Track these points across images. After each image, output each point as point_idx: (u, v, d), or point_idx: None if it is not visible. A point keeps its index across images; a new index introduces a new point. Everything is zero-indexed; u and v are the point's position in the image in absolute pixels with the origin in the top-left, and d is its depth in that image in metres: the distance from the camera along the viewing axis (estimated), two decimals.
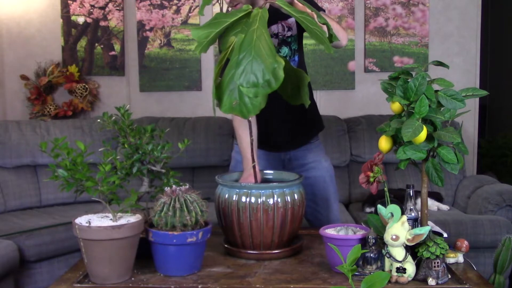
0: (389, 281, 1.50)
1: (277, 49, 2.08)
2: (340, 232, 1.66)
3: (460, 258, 1.70)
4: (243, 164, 2.03)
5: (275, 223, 1.71)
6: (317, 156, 2.25)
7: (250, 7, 1.59)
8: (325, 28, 1.60)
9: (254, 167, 1.85)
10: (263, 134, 2.08)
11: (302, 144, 2.25)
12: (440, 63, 1.63)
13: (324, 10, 2.12)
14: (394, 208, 1.51)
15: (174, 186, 1.60)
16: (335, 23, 1.94)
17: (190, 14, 3.79)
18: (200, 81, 3.82)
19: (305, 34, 1.91)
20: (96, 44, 3.83)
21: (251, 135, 1.83)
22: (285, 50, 2.09)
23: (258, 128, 2.04)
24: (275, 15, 1.93)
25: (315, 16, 1.58)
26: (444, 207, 3.20)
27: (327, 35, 1.58)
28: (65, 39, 3.82)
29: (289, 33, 2.08)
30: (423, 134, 1.50)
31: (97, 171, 1.55)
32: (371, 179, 1.63)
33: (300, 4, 1.69)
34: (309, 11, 1.63)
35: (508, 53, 5.19)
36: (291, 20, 2.07)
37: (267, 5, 1.65)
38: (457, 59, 3.77)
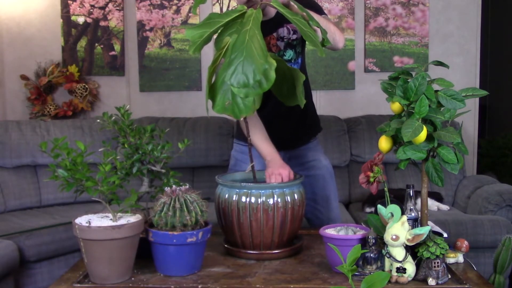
0: (389, 281, 1.50)
1: (282, 52, 2.08)
2: (340, 232, 1.66)
3: (460, 258, 1.70)
4: (266, 157, 1.96)
5: (275, 223, 1.71)
6: (317, 154, 2.26)
7: (245, 7, 1.59)
8: (319, 32, 1.60)
9: (253, 167, 1.85)
10: None
11: (301, 145, 2.25)
12: (440, 63, 1.63)
13: (325, 14, 2.12)
14: (394, 208, 1.51)
15: (174, 186, 1.60)
16: (333, 25, 1.93)
17: (190, 14, 3.79)
18: (200, 81, 3.82)
19: None
20: (96, 44, 3.83)
21: (248, 135, 1.84)
22: (290, 53, 2.09)
23: None
24: (282, 18, 1.93)
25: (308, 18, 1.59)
26: (444, 207, 3.20)
27: (320, 39, 1.58)
28: (65, 39, 3.82)
29: (294, 36, 2.08)
30: (423, 134, 1.50)
31: (97, 171, 1.55)
32: (371, 179, 1.63)
33: (295, 7, 1.68)
34: (304, 14, 1.63)
35: (508, 53, 5.19)
36: None
37: (263, 6, 1.65)
38: (457, 59, 3.77)
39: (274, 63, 1.48)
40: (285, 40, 2.07)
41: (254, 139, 1.96)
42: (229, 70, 1.46)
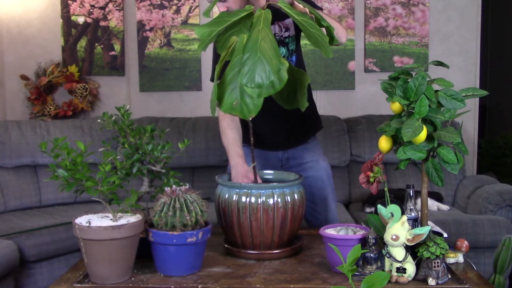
0: (389, 281, 1.50)
1: None
2: (340, 232, 1.66)
3: (460, 258, 1.70)
4: (230, 161, 2.05)
5: (275, 223, 1.71)
6: (315, 155, 2.25)
7: (252, 7, 1.58)
8: (325, 31, 1.59)
9: (254, 167, 1.85)
10: (261, 134, 2.08)
11: (299, 144, 2.25)
12: (440, 63, 1.63)
13: (321, 9, 2.11)
14: (394, 208, 1.51)
15: (174, 186, 1.60)
16: (334, 21, 1.94)
17: (190, 14, 3.79)
18: (200, 81, 3.82)
19: (303, 34, 1.91)
20: (96, 44, 3.83)
21: (251, 136, 1.83)
22: (282, 50, 2.09)
23: (256, 128, 2.03)
24: (272, 16, 1.93)
25: (314, 17, 1.58)
26: (444, 207, 3.20)
27: (328, 39, 1.57)
28: (65, 39, 3.82)
29: (286, 34, 2.08)
30: (423, 134, 1.50)
31: (97, 171, 1.55)
32: (371, 179, 1.64)
33: (300, 6, 1.68)
34: (308, 11, 1.63)
35: (508, 53, 5.19)
36: (289, 21, 2.07)
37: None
38: (457, 59, 3.77)
39: (287, 64, 1.49)
40: (276, 37, 2.07)
41: (223, 139, 2.10)
42: (243, 70, 1.45)
